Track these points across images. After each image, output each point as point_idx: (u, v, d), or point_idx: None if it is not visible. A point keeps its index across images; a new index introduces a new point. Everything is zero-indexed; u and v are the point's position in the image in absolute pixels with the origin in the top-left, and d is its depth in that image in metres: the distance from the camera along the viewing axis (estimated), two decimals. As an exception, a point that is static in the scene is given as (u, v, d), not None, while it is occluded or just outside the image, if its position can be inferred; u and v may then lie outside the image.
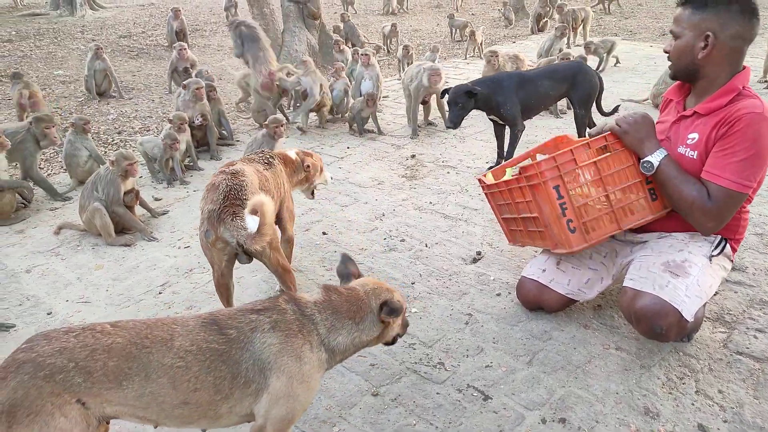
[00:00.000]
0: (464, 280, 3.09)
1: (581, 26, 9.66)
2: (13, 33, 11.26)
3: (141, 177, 4.47)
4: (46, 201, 4.35)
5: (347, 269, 1.95)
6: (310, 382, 1.68)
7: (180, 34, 9.91)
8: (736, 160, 2.09)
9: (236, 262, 2.58)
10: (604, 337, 2.55)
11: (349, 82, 6.13)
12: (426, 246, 3.47)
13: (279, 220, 2.87)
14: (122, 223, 3.74)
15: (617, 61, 8.02)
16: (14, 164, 4.64)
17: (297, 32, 8.29)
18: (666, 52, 2.32)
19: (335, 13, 12.99)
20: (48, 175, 4.73)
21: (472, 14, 13.53)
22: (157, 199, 4.31)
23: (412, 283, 3.07)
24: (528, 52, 8.26)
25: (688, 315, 2.14)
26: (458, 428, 2.10)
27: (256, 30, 5.78)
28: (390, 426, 2.13)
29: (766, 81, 6.53)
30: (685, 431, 2.05)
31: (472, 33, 9.13)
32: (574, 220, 2.28)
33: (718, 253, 2.31)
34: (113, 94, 7.29)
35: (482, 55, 7.53)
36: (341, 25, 9.74)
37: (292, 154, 3.16)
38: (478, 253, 3.34)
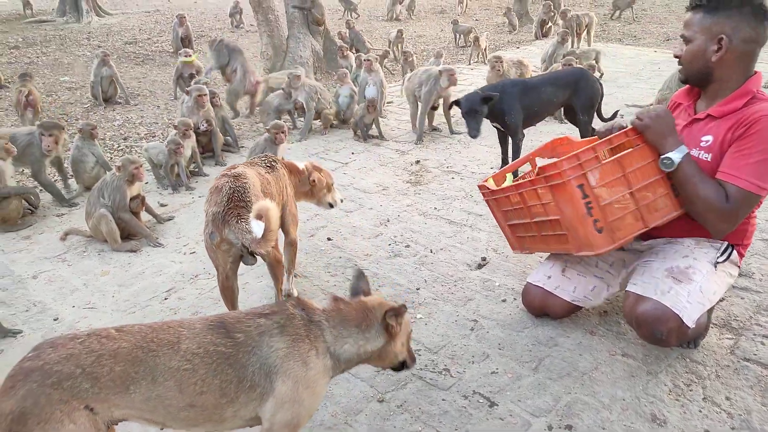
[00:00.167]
0: (469, 285, 3.09)
1: (585, 32, 9.66)
2: (20, 40, 11.35)
3: (147, 183, 4.49)
4: (53, 207, 4.37)
5: (360, 286, 1.94)
6: (316, 387, 1.68)
7: (185, 41, 9.97)
8: (754, 161, 2.07)
9: (241, 264, 2.61)
10: (610, 344, 2.54)
11: (354, 88, 6.16)
12: (431, 252, 3.47)
13: (281, 223, 2.89)
14: (128, 229, 3.75)
15: (601, 75, 7.36)
16: (21, 170, 4.67)
17: (301, 38, 8.32)
18: (677, 57, 2.31)
19: (339, 19, 13.06)
20: (55, 180, 4.75)
21: (476, 20, 13.56)
22: (162, 205, 4.33)
23: (417, 289, 3.07)
24: (532, 57, 8.27)
25: (689, 321, 2.13)
26: (464, 435, 2.10)
27: (238, 45, 6.71)
28: (396, 433, 2.12)
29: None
30: (692, 438, 2.04)
31: (476, 38, 9.15)
32: (600, 219, 2.17)
33: (724, 260, 2.30)
34: (119, 101, 7.33)
35: (486, 61, 7.55)
36: (346, 32, 9.78)
37: (301, 164, 3.17)
38: (483, 259, 3.33)
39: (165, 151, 4.56)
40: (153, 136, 6.03)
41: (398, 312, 1.76)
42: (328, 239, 3.70)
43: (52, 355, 1.48)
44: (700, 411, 2.15)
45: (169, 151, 4.51)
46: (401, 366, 1.91)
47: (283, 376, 1.62)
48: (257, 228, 2.19)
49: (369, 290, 1.95)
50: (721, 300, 2.74)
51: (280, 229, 2.84)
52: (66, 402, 1.43)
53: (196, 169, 4.93)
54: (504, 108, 4.22)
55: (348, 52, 8.05)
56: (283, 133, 4.40)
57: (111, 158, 5.17)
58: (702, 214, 2.20)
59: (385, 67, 8.20)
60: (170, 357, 1.55)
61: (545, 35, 10.97)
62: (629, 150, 2.21)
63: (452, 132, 5.75)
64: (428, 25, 13.20)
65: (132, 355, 1.52)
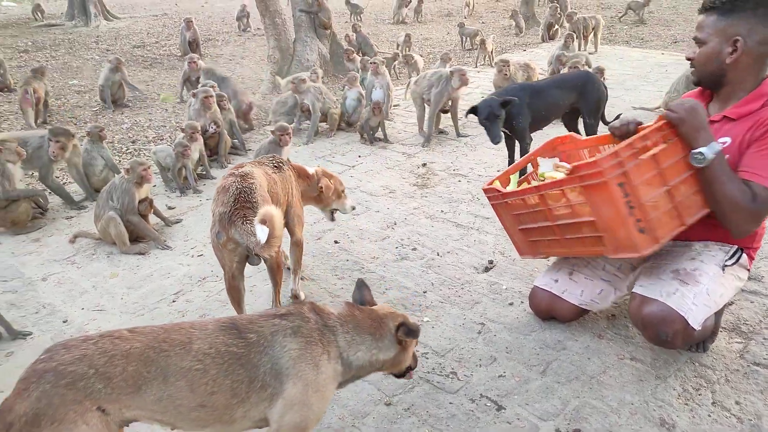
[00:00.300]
0: (476, 289, 3.08)
1: (592, 34, 9.64)
2: (30, 44, 11.45)
3: (155, 186, 4.52)
4: (62, 210, 4.40)
5: (362, 295, 1.96)
6: (325, 392, 1.69)
7: (193, 44, 10.03)
8: None
9: (249, 267, 2.63)
10: (618, 347, 2.53)
11: (362, 91, 6.17)
12: (438, 255, 3.47)
13: (286, 223, 2.92)
14: (137, 232, 3.78)
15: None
16: (30, 173, 4.70)
17: (308, 42, 8.36)
18: (689, 59, 2.29)
19: (346, 22, 13.09)
20: (64, 183, 4.79)
21: (483, 22, 13.56)
22: (170, 208, 4.35)
23: (424, 292, 3.07)
24: (539, 60, 8.26)
25: (695, 323, 2.12)
26: (472, 438, 2.10)
27: (225, 72, 7.19)
28: (403, 436, 2.12)
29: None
30: (701, 443, 2.03)
31: (483, 41, 9.15)
32: (642, 219, 2.06)
33: (733, 263, 2.29)
34: (127, 104, 7.38)
35: (493, 64, 7.54)
36: (353, 36, 9.80)
37: (311, 169, 3.18)
38: (490, 262, 3.33)
39: (173, 154, 4.58)
40: (161, 139, 6.06)
41: (412, 332, 1.78)
42: (335, 242, 3.70)
43: (66, 356, 1.49)
44: (710, 415, 2.14)
45: (176, 154, 4.54)
46: (406, 372, 1.94)
47: (294, 378, 1.63)
48: (261, 233, 2.22)
49: (372, 299, 1.96)
50: (730, 304, 2.72)
51: (286, 230, 2.87)
52: (79, 402, 1.44)
53: (204, 172, 4.95)
54: (512, 112, 4.21)
55: (354, 55, 8.07)
56: (287, 135, 4.42)
57: (119, 161, 5.20)
58: (727, 215, 2.13)
59: (393, 70, 8.22)
60: (182, 357, 1.56)
61: (552, 38, 10.95)
62: (663, 145, 2.11)
63: (459, 135, 5.75)
64: (435, 28, 13.21)
65: (144, 356, 1.54)
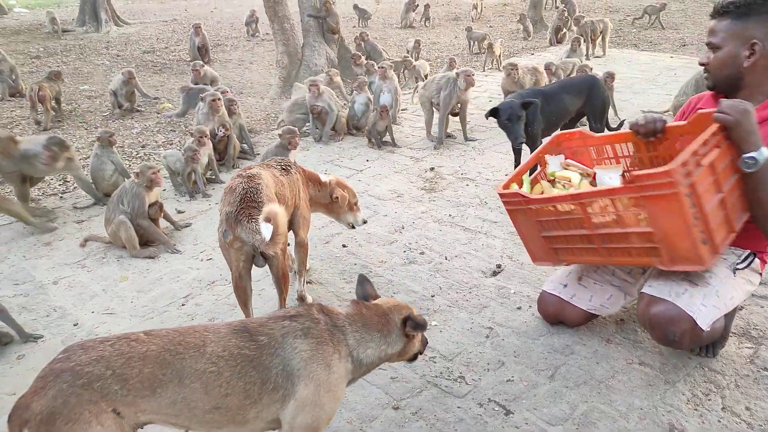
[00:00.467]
0: (484, 293, 3.08)
1: (600, 38, 9.62)
2: (41, 49, 11.56)
3: (164, 190, 4.55)
4: (73, 214, 4.44)
5: (365, 290, 1.99)
6: (336, 391, 1.72)
7: (202, 50, 10.10)
8: None
9: (260, 271, 2.65)
10: (627, 352, 2.52)
11: (371, 96, 6.20)
12: (446, 259, 3.47)
13: (291, 224, 2.94)
14: (146, 236, 3.81)
15: None
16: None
17: (317, 47, 8.40)
18: (702, 65, 2.28)
19: (354, 27, 13.13)
20: (74, 188, 4.83)
21: (490, 26, 13.55)
22: (179, 212, 4.38)
23: (432, 296, 3.08)
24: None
25: (703, 324, 2.11)
26: (480, 443, 2.09)
27: (201, 85, 7.16)
28: (411, 440, 2.13)
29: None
30: (711, 449, 2.02)
31: (490, 45, 9.15)
32: (704, 229, 1.97)
33: (744, 267, 2.28)
34: (138, 108, 7.44)
35: (501, 68, 7.53)
36: (362, 44, 9.82)
37: (324, 176, 3.20)
38: (498, 266, 3.33)
39: (182, 159, 4.62)
40: (171, 144, 6.11)
41: (419, 326, 1.82)
42: (343, 246, 3.72)
43: (83, 356, 1.51)
44: (719, 421, 2.13)
45: (185, 159, 4.58)
46: (415, 357, 1.99)
47: (306, 379, 1.65)
48: (266, 230, 2.27)
49: (375, 293, 2.00)
50: (741, 308, 2.71)
51: (291, 231, 2.89)
52: (95, 403, 1.46)
53: (213, 177, 4.99)
54: (529, 118, 4.22)
55: (362, 59, 8.10)
56: (295, 138, 4.45)
57: (129, 166, 5.24)
58: None
59: (402, 74, 8.24)
60: (196, 360, 1.59)
61: (560, 41, 10.93)
62: (717, 150, 2.01)
63: (467, 139, 5.75)
64: (442, 32, 13.22)
65: (160, 358, 1.56)
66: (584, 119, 4.90)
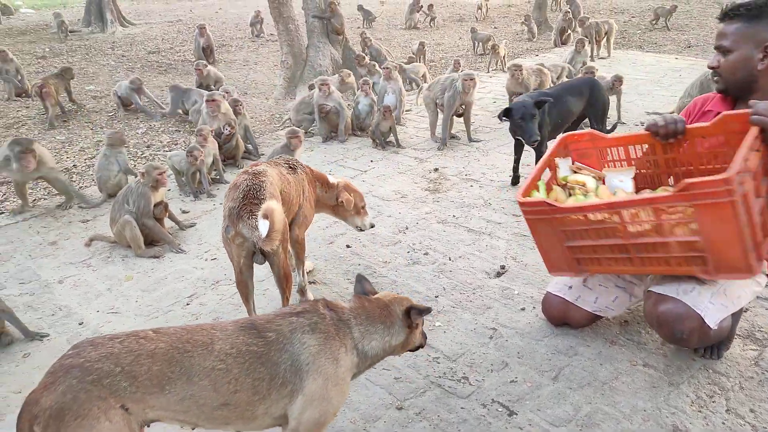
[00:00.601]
0: (488, 294, 3.08)
1: (604, 39, 9.60)
2: (47, 50, 11.61)
3: (169, 190, 4.56)
4: (78, 214, 4.46)
5: (363, 287, 2.02)
6: (343, 385, 1.75)
7: (207, 50, 10.12)
8: None
9: (265, 270, 2.66)
10: (631, 353, 2.52)
11: (375, 98, 6.20)
12: (450, 259, 3.47)
13: (291, 221, 2.96)
14: (151, 236, 3.82)
15: None
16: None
17: (321, 47, 8.41)
18: (712, 68, 2.26)
19: (358, 27, 13.14)
20: (80, 188, 4.86)
21: (495, 27, 13.54)
22: (184, 212, 4.40)
23: (436, 297, 3.08)
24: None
25: (711, 322, 2.11)
26: (483, 443, 2.10)
27: (190, 86, 7.11)
28: (414, 440, 2.13)
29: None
30: (715, 451, 2.01)
31: (495, 46, 9.15)
32: (752, 236, 1.92)
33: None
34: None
35: (506, 69, 7.53)
36: (367, 49, 9.83)
37: (333, 179, 3.21)
38: (502, 267, 3.33)
39: (187, 159, 4.63)
40: (175, 144, 6.13)
41: (423, 311, 1.88)
42: (347, 246, 3.72)
43: (93, 353, 1.52)
44: (723, 423, 2.12)
45: (189, 158, 4.59)
46: (416, 350, 2.04)
47: (314, 374, 1.67)
48: (262, 226, 2.30)
49: (373, 289, 2.03)
50: (746, 310, 2.70)
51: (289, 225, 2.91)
52: (104, 399, 1.47)
53: (218, 177, 5.00)
54: (539, 120, 4.23)
55: (366, 60, 8.11)
56: (298, 138, 4.47)
57: (134, 165, 5.26)
58: None
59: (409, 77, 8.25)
60: (204, 357, 1.60)
61: (564, 43, 10.92)
62: (757, 153, 1.97)
63: (471, 140, 5.75)
64: (447, 33, 13.22)
65: (168, 356, 1.57)
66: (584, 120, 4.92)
